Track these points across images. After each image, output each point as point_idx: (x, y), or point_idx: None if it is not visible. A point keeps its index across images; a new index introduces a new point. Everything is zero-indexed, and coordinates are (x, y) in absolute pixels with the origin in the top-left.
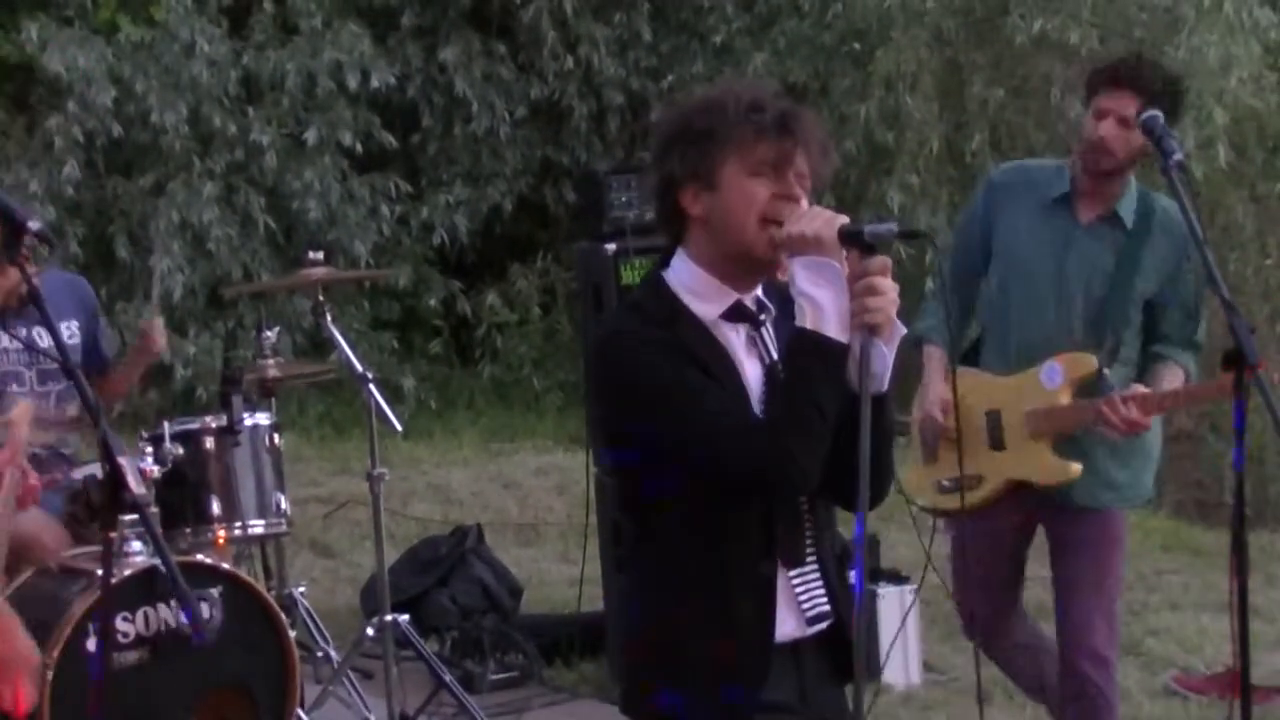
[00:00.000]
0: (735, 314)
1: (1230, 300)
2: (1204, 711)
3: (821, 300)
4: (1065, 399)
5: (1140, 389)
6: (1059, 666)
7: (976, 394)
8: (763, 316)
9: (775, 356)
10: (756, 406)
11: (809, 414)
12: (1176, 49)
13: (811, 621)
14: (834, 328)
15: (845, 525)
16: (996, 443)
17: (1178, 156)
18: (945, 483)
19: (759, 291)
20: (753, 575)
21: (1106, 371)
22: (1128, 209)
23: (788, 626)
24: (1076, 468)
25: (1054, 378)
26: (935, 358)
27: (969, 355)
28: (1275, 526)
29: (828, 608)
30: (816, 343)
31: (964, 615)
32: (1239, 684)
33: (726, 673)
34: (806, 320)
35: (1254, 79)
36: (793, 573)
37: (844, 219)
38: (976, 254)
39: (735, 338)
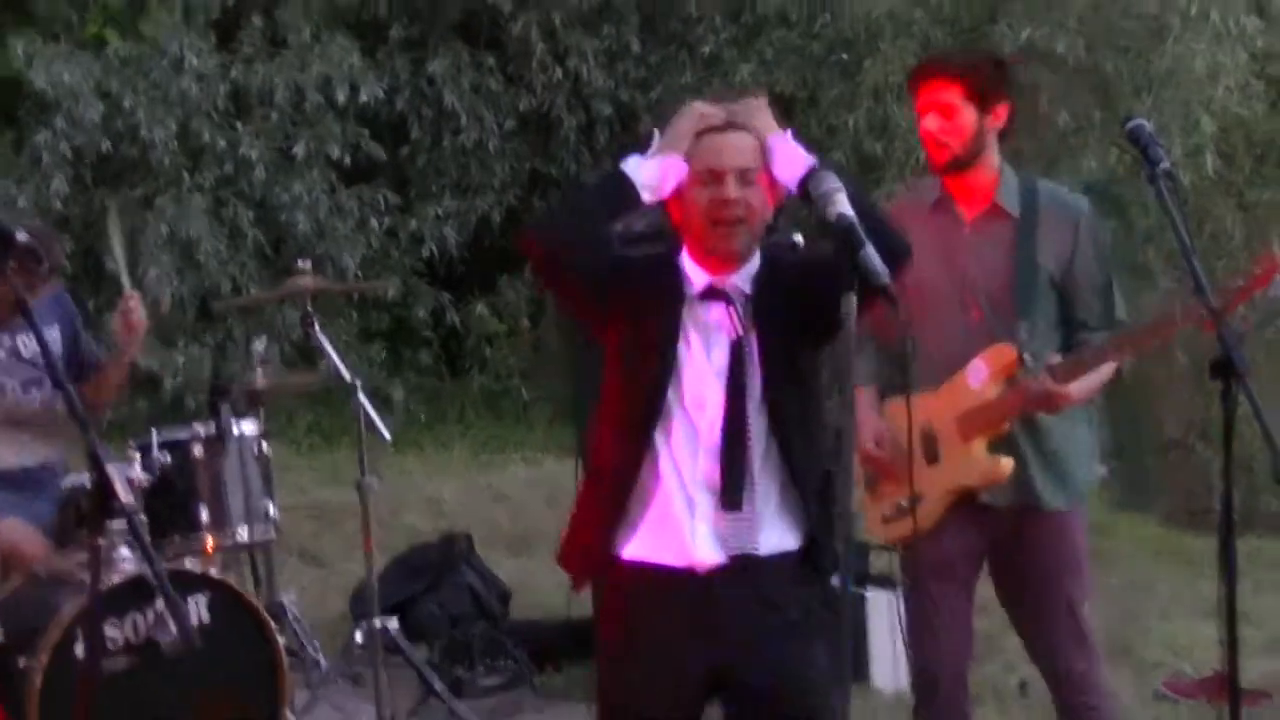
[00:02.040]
0: (710, 294)
1: (1218, 309)
2: (1193, 716)
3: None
4: (992, 394)
5: (1054, 357)
6: (1054, 697)
7: (910, 416)
8: (735, 298)
9: (742, 333)
10: (718, 369)
11: (571, 198)
12: (1163, 57)
13: (733, 558)
14: (630, 167)
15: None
16: (931, 456)
17: (1164, 165)
18: (888, 513)
19: (740, 279)
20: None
21: (1027, 356)
22: (1009, 197)
23: (703, 556)
24: (1007, 461)
25: (979, 375)
26: (862, 401)
27: (889, 385)
28: (1263, 533)
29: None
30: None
31: (922, 682)
32: (1228, 689)
33: None
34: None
35: (1241, 87)
36: (728, 515)
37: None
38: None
39: (705, 314)
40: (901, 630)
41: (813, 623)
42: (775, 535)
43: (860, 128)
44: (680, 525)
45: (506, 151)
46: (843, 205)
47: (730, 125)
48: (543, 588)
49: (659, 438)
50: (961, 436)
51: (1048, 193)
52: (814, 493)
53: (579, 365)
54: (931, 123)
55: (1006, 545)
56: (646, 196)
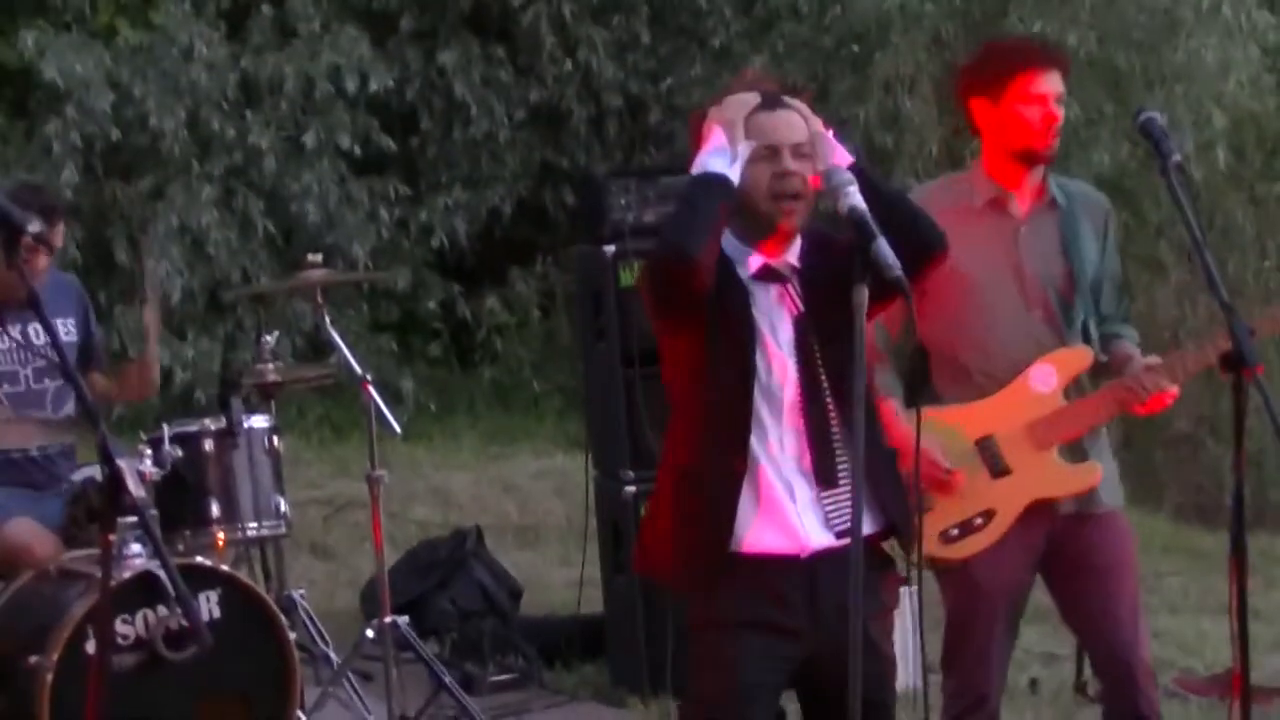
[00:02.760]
0: (765, 274)
1: (1229, 303)
2: (1204, 713)
3: (699, 163)
4: (1062, 400)
5: (1153, 360)
6: (1108, 694)
7: (959, 427)
8: (790, 275)
9: (803, 308)
10: (786, 345)
11: (683, 211)
12: (1175, 51)
13: (840, 535)
14: (709, 165)
15: None
16: (998, 469)
17: (1176, 159)
18: (953, 531)
19: (792, 255)
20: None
21: (1102, 356)
22: (1056, 189)
23: (812, 537)
24: (1098, 466)
25: (1048, 381)
26: (893, 411)
27: (911, 395)
28: (1275, 529)
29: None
30: (693, 177)
31: (967, 702)
32: (1239, 686)
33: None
34: (694, 169)
35: (1253, 81)
36: (825, 493)
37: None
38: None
39: (765, 296)
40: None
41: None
42: (869, 515)
43: (871, 120)
44: (786, 512)
45: (517, 143)
46: (854, 198)
47: (780, 103)
48: (551, 581)
49: (754, 428)
50: (1035, 445)
51: (1075, 187)
52: (888, 472)
53: (589, 357)
54: (1048, 111)
55: (1068, 549)
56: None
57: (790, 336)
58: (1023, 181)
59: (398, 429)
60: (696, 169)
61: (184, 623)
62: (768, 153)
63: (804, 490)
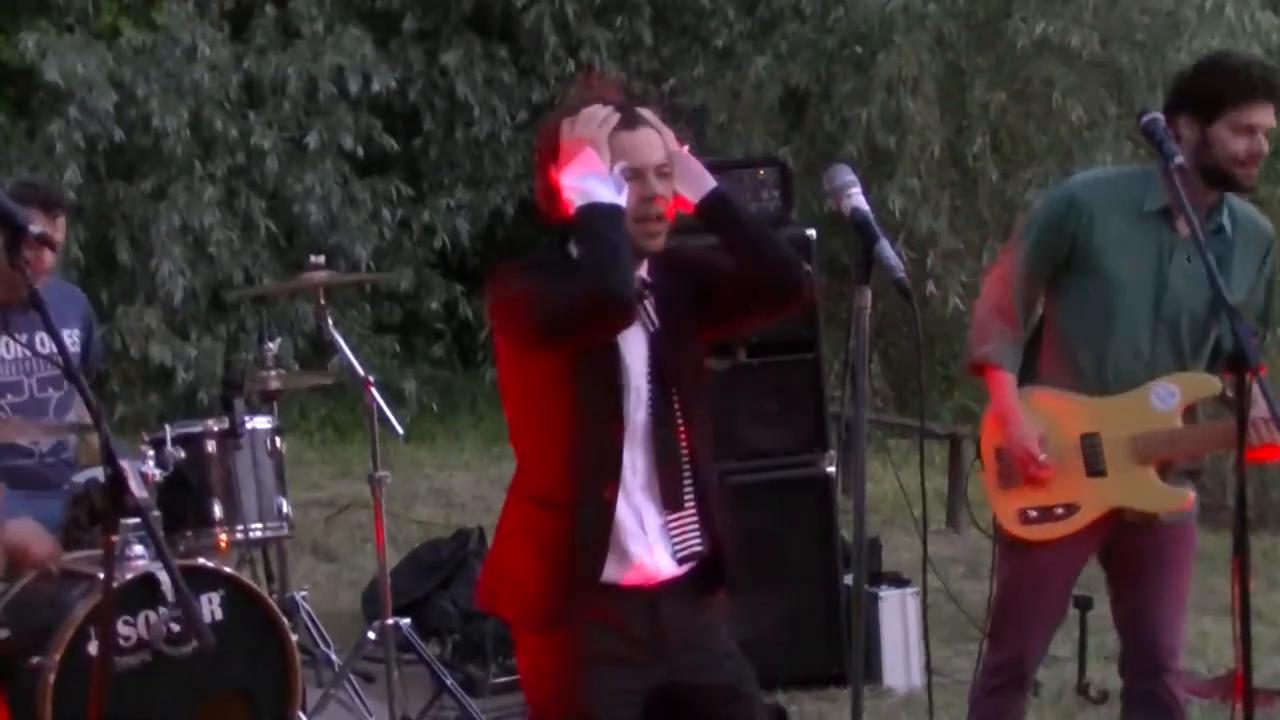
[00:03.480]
0: None
1: (1232, 304)
2: (1206, 715)
3: (580, 187)
4: (1178, 422)
5: (1264, 410)
6: (1132, 684)
7: (1068, 417)
8: (645, 292)
9: (658, 325)
10: (639, 364)
11: (603, 251)
12: (1178, 52)
13: (682, 561)
14: (598, 194)
15: (846, 527)
16: (1095, 469)
17: (1178, 160)
18: (1032, 513)
19: (643, 271)
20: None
21: (1230, 391)
22: (1225, 218)
23: (660, 566)
24: (1190, 495)
25: (1168, 400)
26: (1007, 382)
27: (1024, 374)
28: (1277, 530)
29: (700, 548)
30: (588, 208)
31: (1010, 674)
32: (1241, 687)
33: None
34: (579, 200)
35: None
36: (670, 517)
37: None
38: (1049, 274)
39: None
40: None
41: (726, 629)
42: (703, 537)
43: (873, 121)
44: (638, 541)
45: (519, 143)
46: (857, 199)
47: (639, 119)
48: None
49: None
50: (1136, 457)
51: (1244, 212)
52: (716, 493)
53: None
54: (1258, 145)
55: (1133, 545)
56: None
57: (644, 354)
58: (1201, 199)
59: (400, 430)
60: (581, 195)
61: (185, 624)
62: (633, 175)
63: (652, 516)
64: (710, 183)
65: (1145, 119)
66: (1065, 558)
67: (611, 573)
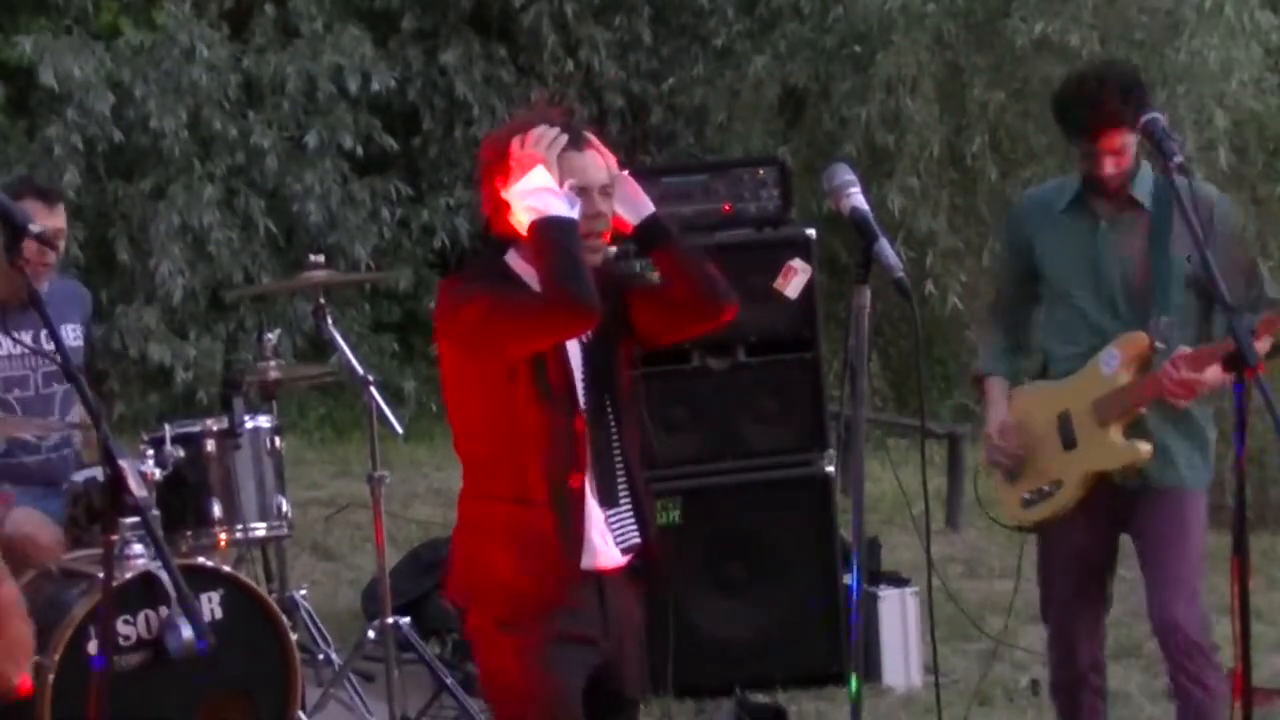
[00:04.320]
0: None
1: (1231, 303)
2: None
3: (536, 203)
4: (1125, 380)
5: (1185, 349)
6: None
7: (1043, 403)
8: None
9: (591, 335)
10: (578, 374)
11: (566, 261)
12: (1177, 51)
13: (625, 552)
14: (556, 209)
15: (845, 527)
16: (1069, 442)
17: (1178, 159)
18: (1026, 495)
19: None
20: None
21: (1159, 344)
22: (1143, 190)
23: (612, 554)
24: (1146, 446)
25: (1112, 363)
26: (996, 388)
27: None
28: (1276, 529)
29: (637, 540)
30: (548, 221)
31: (1063, 676)
32: (1240, 686)
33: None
34: (535, 214)
35: (1255, 82)
36: (609, 513)
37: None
38: (1024, 284)
39: None
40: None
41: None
42: (637, 531)
43: (872, 120)
44: (595, 526)
45: None
46: (856, 199)
47: (586, 141)
48: None
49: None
50: (1098, 422)
51: (1179, 187)
52: (646, 494)
53: None
54: (1112, 166)
55: (1134, 522)
56: None
57: (580, 362)
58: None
59: (399, 429)
60: (539, 209)
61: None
62: (580, 193)
63: (595, 510)
64: (649, 206)
65: (1144, 119)
66: (1070, 538)
67: (583, 562)
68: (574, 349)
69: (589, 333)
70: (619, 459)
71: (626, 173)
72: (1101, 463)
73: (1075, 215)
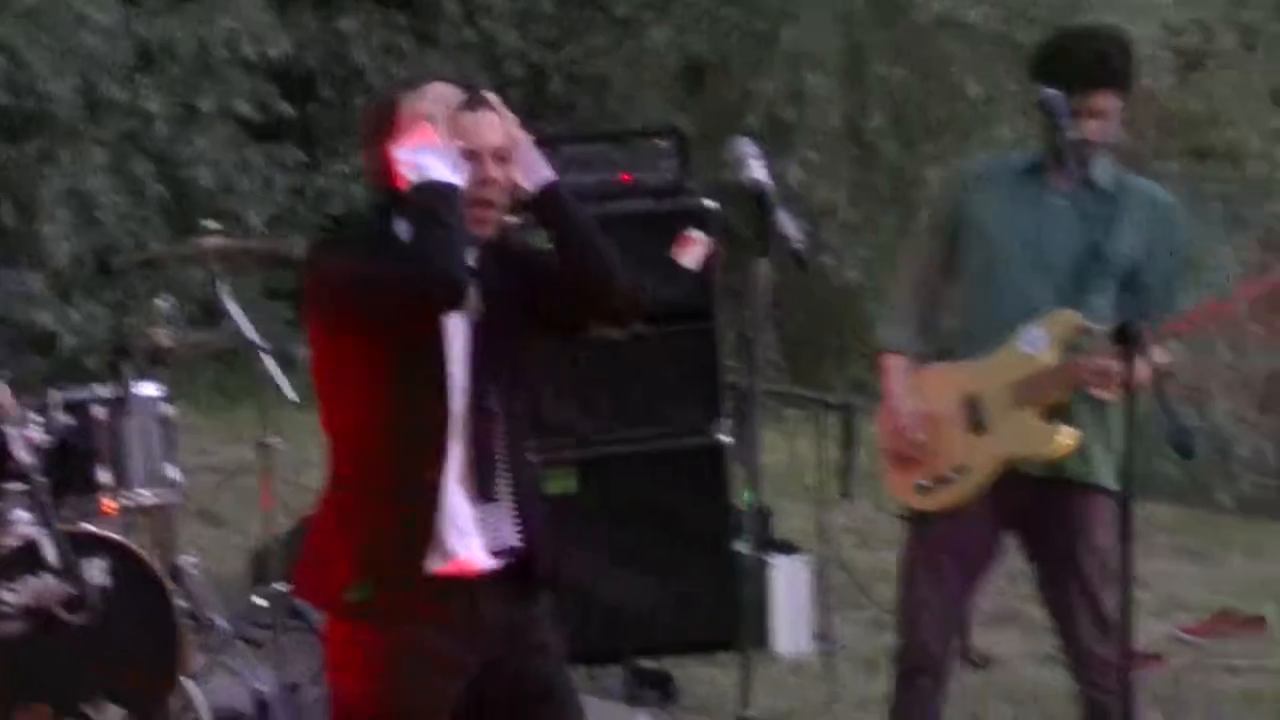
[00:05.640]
0: None
1: (1122, 262)
2: None
3: (422, 161)
4: (1053, 362)
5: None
6: (1075, 678)
7: (947, 385)
8: (471, 279)
9: (481, 314)
10: (458, 352)
11: (436, 231)
12: None
13: (496, 554)
14: (436, 172)
15: (738, 496)
16: (977, 427)
17: (1074, 134)
18: (925, 482)
19: (469, 258)
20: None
21: (1094, 325)
22: (1104, 175)
23: (475, 557)
24: (1070, 432)
25: (1036, 342)
26: (896, 367)
27: (943, 353)
28: (1158, 498)
29: (514, 542)
30: (424, 185)
31: (914, 660)
32: (1121, 652)
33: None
34: (415, 177)
35: (1150, 59)
36: (482, 510)
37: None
38: (950, 258)
39: None
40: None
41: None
42: (518, 532)
43: (774, 94)
44: (452, 531)
45: None
46: (757, 171)
47: (482, 102)
48: None
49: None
50: (1015, 404)
51: (1140, 186)
52: (532, 489)
53: None
54: (1100, 131)
55: (1036, 520)
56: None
57: (464, 342)
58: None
59: (292, 394)
60: (417, 171)
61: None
62: (469, 156)
63: (464, 507)
64: (548, 175)
65: (1042, 95)
66: (958, 532)
67: (432, 563)
68: (458, 327)
69: (480, 310)
70: (502, 451)
71: (528, 138)
72: (1018, 448)
73: (1028, 184)
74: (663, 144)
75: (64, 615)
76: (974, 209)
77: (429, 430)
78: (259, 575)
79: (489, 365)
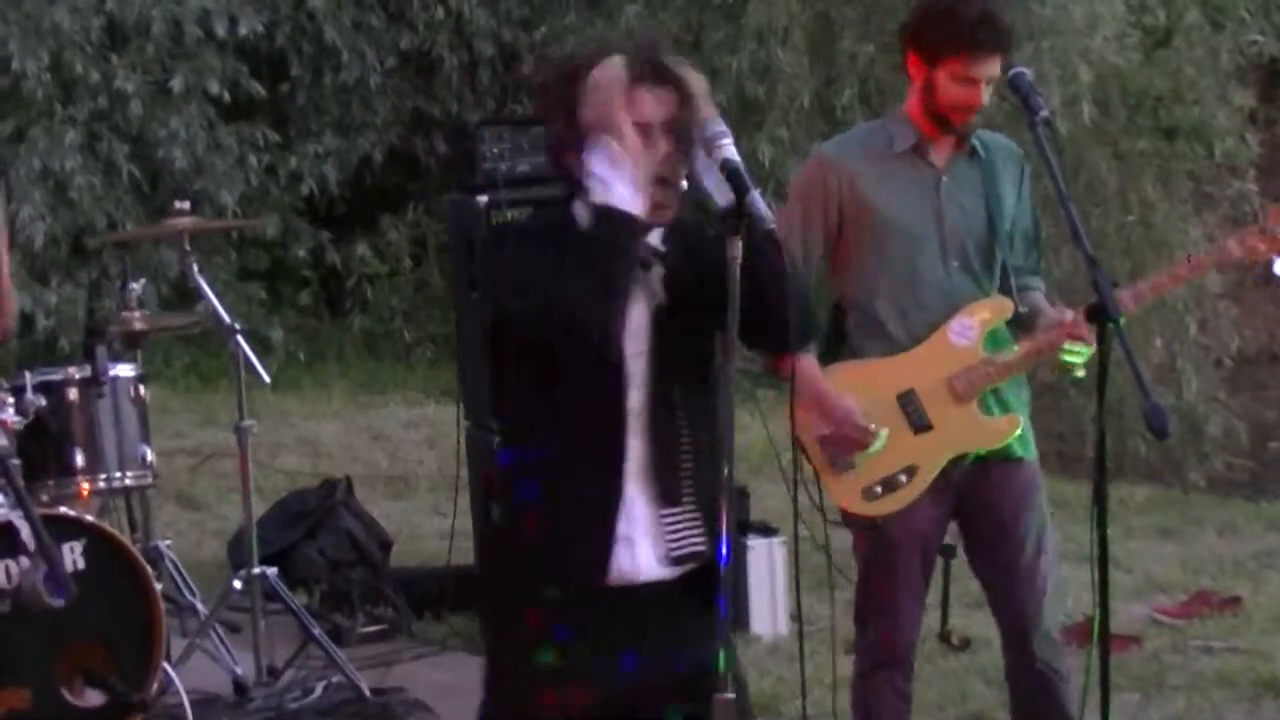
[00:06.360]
0: None
1: (1093, 255)
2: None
3: (606, 177)
4: (983, 351)
5: (1067, 313)
6: (1007, 656)
7: (877, 382)
8: (653, 261)
9: (663, 299)
10: (637, 342)
11: (603, 273)
12: (1043, 5)
13: (676, 562)
14: (619, 199)
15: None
16: (920, 424)
17: (1043, 113)
18: (877, 489)
19: (655, 239)
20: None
21: (1023, 308)
22: (976, 140)
23: (651, 565)
24: (1016, 418)
25: (967, 333)
26: (809, 367)
27: (827, 351)
28: (1134, 479)
29: (702, 548)
30: (606, 212)
31: (881, 654)
32: (1098, 633)
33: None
34: (597, 196)
35: (1118, 37)
36: (665, 512)
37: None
38: (823, 245)
39: None
40: (788, 579)
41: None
42: (707, 540)
43: (743, 71)
44: (623, 534)
45: (388, 89)
46: (728, 150)
47: (658, 77)
48: (423, 532)
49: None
50: (955, 399)
51: (991, 138)
52: (712, 496)
53: (461, 307)
54: (977, 97)
55: (974, 499)
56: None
57: (644, 325)
58: (940, 132)
59: (266, 377)
60: (600, 184)
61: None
62: (641, 131)
63: (642, 509)
64: (769, 218)
65: (1011, 73)
66: (913, 528)
67: (607, 572)
68: (638, 310)
69: (661, 297)
70: (686, 451)
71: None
72: (967, 443)
73: (912, 164)
74: None
75: (41, 599)
76: (862, 198)
77: (600, 431)
78: (236, 559)
79: (670, 355)
